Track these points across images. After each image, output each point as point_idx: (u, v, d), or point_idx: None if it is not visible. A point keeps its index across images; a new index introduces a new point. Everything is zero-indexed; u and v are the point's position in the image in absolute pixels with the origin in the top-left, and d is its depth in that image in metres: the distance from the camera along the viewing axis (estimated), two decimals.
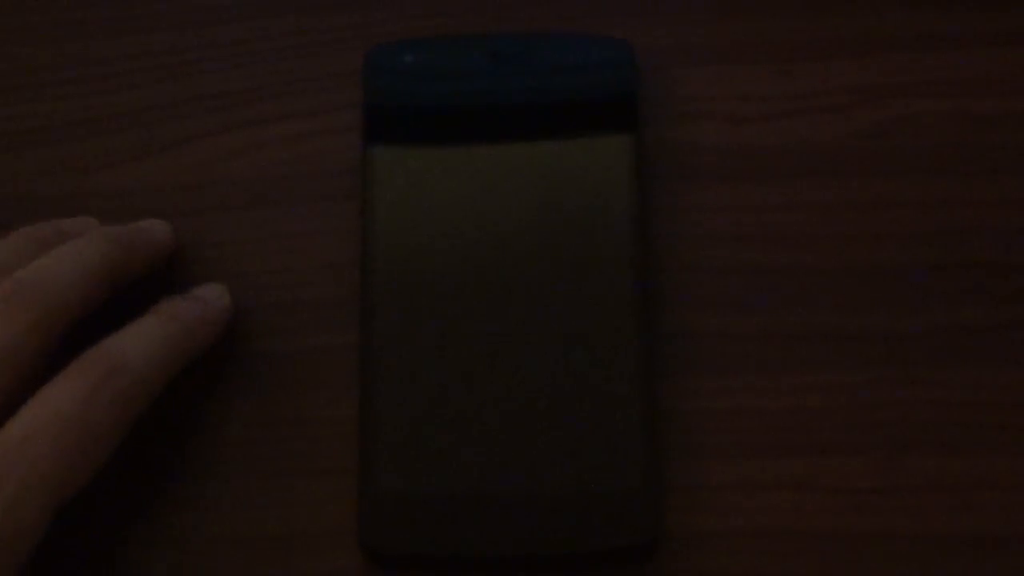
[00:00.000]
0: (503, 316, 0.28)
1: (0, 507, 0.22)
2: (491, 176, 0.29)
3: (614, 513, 0.27)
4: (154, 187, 0.31)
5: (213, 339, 0.28)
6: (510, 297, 0.28)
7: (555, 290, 0.28)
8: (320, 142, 0.31)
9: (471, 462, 0.27)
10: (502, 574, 0.27)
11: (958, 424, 0.28)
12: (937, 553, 0.27)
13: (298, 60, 0.32)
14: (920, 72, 0.31)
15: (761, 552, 0.27)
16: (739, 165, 0.31)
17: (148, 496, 0.28)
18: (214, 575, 0.27)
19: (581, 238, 0.29)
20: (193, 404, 0.29)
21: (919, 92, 0.31)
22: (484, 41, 0.31)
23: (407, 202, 0.29)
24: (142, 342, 0.26)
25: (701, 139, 0.31)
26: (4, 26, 0.33)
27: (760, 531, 0.28)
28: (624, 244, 0.29)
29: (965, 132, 0.31)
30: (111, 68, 0.32)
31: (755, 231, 0.30)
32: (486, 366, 0.28)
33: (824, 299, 0.29)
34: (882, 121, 0.31)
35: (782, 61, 0.31)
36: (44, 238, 0.28)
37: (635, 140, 0.29)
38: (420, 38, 0.31)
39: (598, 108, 0.30)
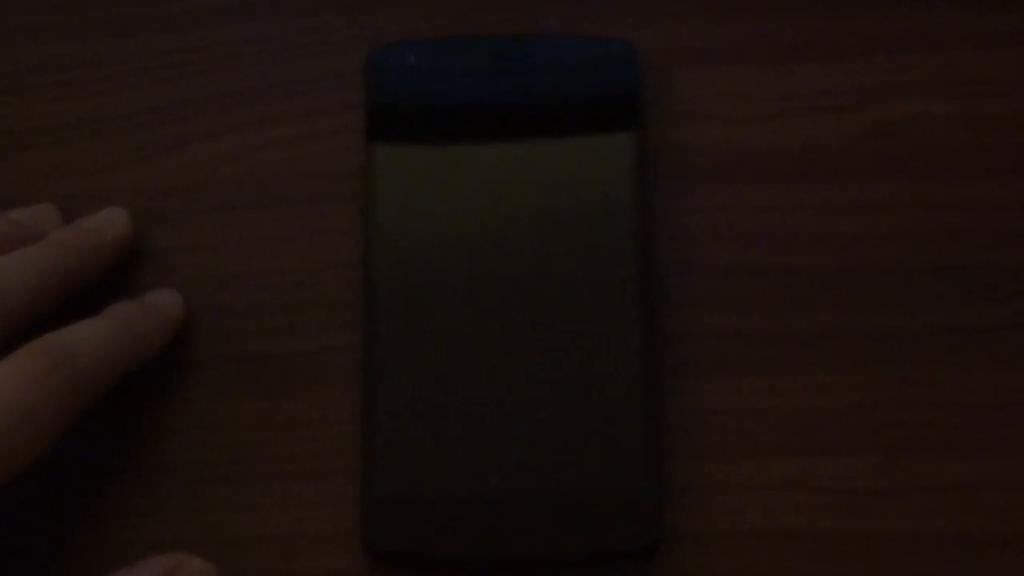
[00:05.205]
0: (505, 316, 0.28)
1: None
2: (494, 175, 0.29)
3: (616, 515, 0.27)
4: (155, 188, 0.31)
5: (162, 346, 0.28)
6: (512, 297, 0.28)
7: (557, 290, 0.28)
8: (321, 143, 0.31)
9: (474, 463, 0.27)
10: None
11: (958, 424, 0.28)
12: (937, 553, 0.27)
13: (299, 61, 0.32)
14: (920, 72, 0.31)
15: (762, 553, 0.27)
16: (739, 165, 0.31)
17: (148, 497, 0.28)
18: None
19: (584, 237, 0.29)
20: (193, 405, 0.29)
21: (919, 92, 0.31)
22: (487, 41, 0.31)
23: (410, 201, 0.29)
24: (90, 338, 0.26)
25: (701, 140, 0.31)
26: (5, 27, 0.33)
27: (761, 531, 0.28)
28: (626, 244, 0.29)
29: (965, 132, 0.31)
30: (111, 69, 0.32)
31: (755, 232, 0.30)
32: (488, 367, 0.28)
33: (824, 300, 0.29)
34: (882, 121, 0.31)
35: (782, 61, 0.31)
36: None
37: (637, 138, 0.29)
38: (423, 38, 0.31)
39: (600, 106, 0.30)
